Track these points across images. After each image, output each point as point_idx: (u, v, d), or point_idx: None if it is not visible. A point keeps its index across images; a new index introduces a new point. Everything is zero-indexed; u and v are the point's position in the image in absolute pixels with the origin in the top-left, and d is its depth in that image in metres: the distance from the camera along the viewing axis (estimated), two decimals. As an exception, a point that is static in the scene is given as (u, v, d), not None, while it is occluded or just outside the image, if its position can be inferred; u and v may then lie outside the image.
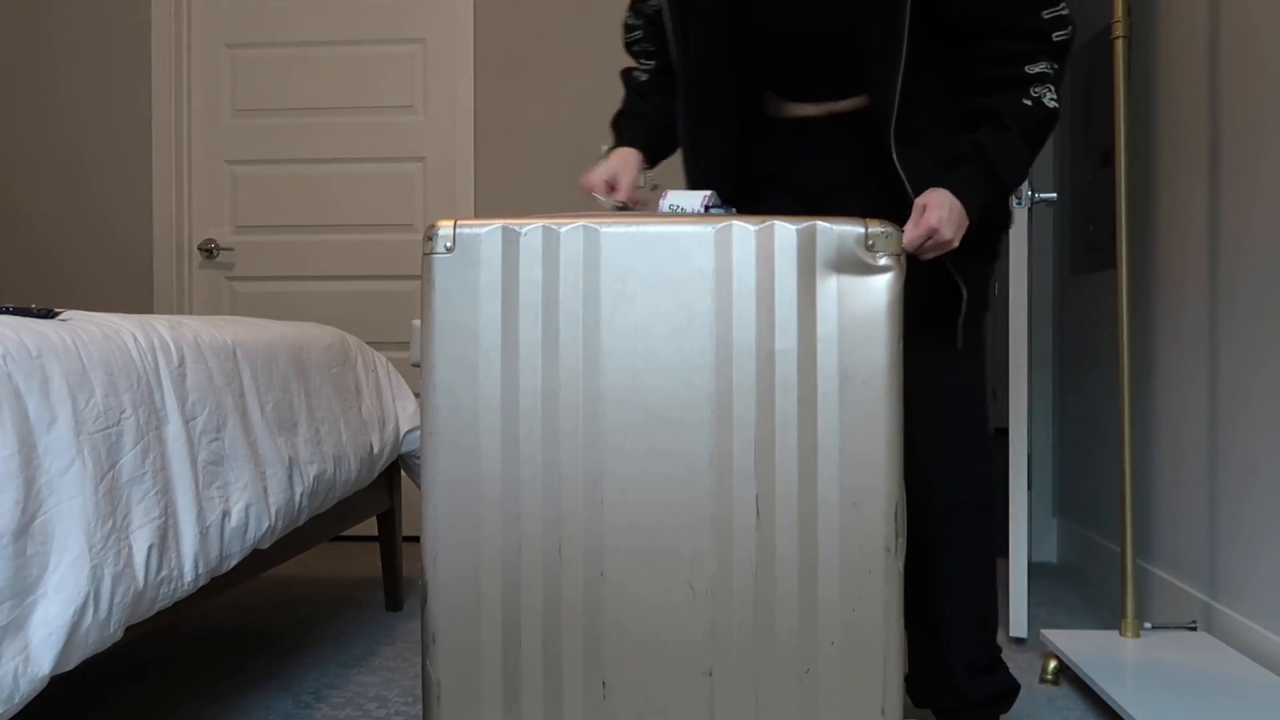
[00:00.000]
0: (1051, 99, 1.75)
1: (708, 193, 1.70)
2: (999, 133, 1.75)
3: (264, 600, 3.24)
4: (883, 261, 1.50)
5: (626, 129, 2.04)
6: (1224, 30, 2.60)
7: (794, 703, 1.49)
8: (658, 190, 1.85)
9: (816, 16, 1.85)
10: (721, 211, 1.66)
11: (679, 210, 1.68)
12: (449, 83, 4.08)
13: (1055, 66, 1.77)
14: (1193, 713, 2.01)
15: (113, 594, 1.54)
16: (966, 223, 1.71)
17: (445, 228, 1.52)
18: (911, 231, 1.65)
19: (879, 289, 1.49)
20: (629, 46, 2.13)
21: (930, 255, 1.69)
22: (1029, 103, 1.74)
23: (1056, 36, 1.76)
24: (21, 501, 1.41)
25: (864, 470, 1.48)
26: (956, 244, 1.69)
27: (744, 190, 2.02)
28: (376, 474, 2.77)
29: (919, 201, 1.70)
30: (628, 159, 1.96)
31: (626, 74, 2.12)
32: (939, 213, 1.67)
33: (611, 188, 1.91)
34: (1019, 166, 1.76)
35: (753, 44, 1.93)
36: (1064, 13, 1.77)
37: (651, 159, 2.03)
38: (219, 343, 2.06)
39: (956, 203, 1.69)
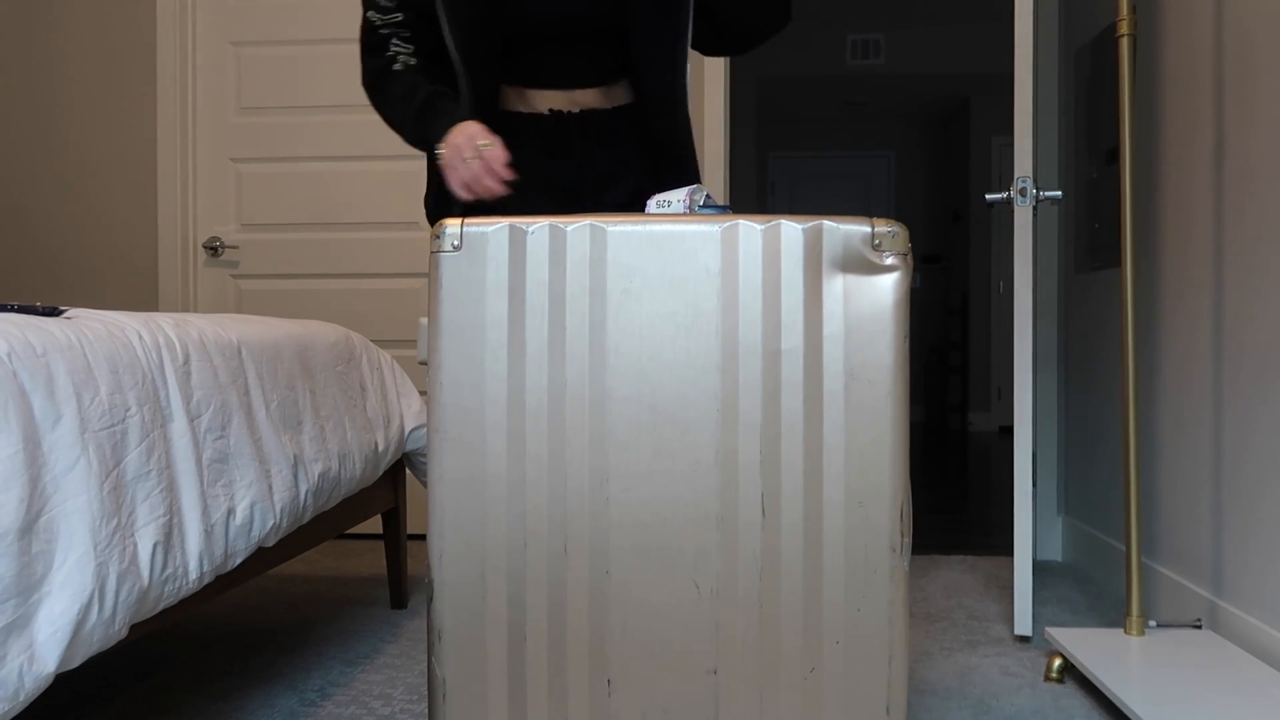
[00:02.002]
0: None
1: (692, 186, 1.71)
2: None
3: (269, 598, 3.25)
4: (889, 260, 1.49)
5: (447, 108, 1.87)
6: (1229, 27, 2.59)
7: (798, 702, 1.49)
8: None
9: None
10: (714, 211, 1.67)
11: (667, 206, 1.69)
12: (453, 80, 4.08)
13: None
14: (1198, 711, 2.01)
15: (117, 592, 1.54)
16: None
17: (452, 226, 1.52)
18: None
19: (885, 288, 1.49)
20: (386, 32, 1.97)
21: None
22: None
23: None
24: (26, 499, 1.41)
25: (869, 469, 1.48)
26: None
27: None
28: (381, 472, 2.77)
29: None
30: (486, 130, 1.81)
31: (382, 70, 1.96)
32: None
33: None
34: None
35: (515, 30, 1.94)
36: None
37: None
38: (224, 341, 2.06)
39: None
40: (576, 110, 2.01)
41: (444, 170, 1.80)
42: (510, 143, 1.98)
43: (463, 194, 1.78)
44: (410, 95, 1.90)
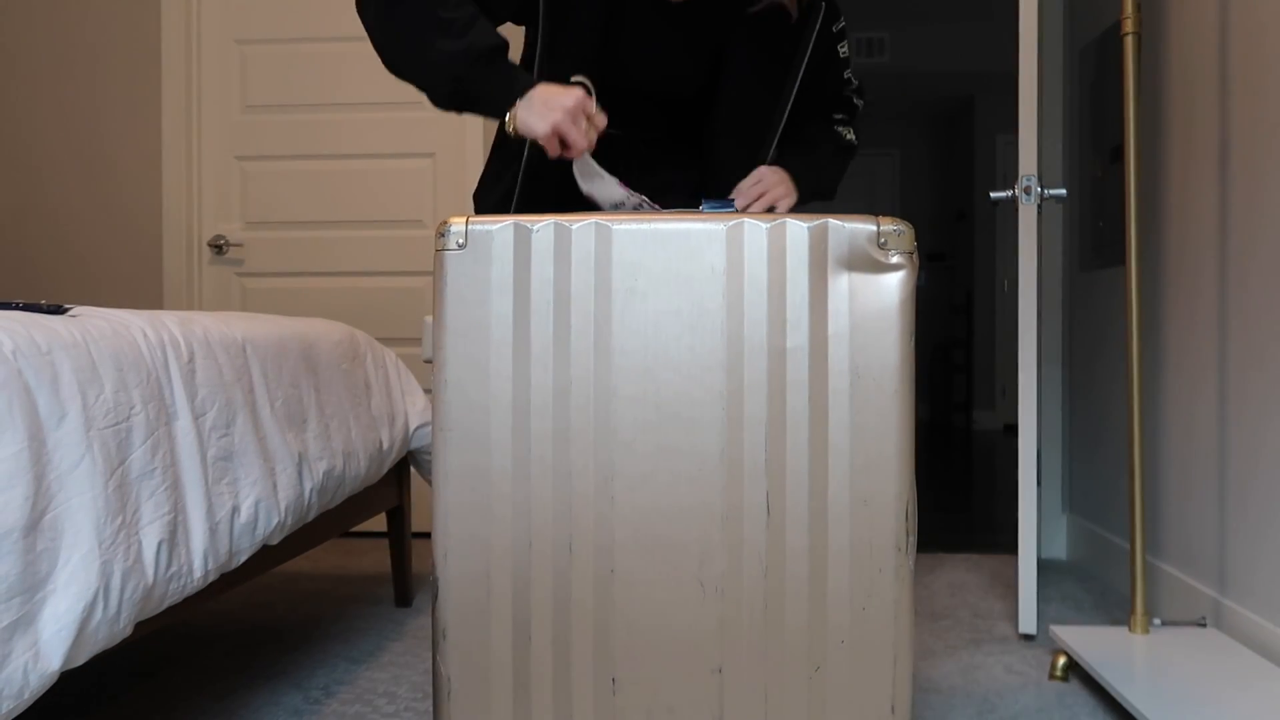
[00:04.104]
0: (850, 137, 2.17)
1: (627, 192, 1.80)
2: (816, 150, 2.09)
3: (273, 596, 3.25)
4: (894, 259, 1.49)
5: (519, 71, 1.79)
6: (1233, 26, 2.59)
7: (803, 700, 1.49)
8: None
9: (679, 71, 1.99)
10: (719, 209, 1.68)
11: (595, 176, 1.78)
12: (458, 78, 4.07)
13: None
14: (1202, 709, 2.01)
15: (122, 590, 1.54)
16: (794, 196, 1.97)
17: (457, 224, 1.51)
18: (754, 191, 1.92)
19: (890, 287, 1.49)
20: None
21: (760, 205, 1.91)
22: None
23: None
24: (31, 497, 1.41)
25: (874, 468, 1.48)
26: (784, 204, 1.93)
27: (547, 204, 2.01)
28: (386, 470, 2.77)
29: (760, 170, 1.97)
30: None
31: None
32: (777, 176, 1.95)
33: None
34: (825, 174, 2.09)
35: (611, 86, 1.91)
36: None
37: None
38: (228, 339, 2.06)
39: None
40: (619, 134, 2.01)
41: (532, 111, 1.70)
42: (560, 162, 1.98)
43: (551, 142, 1.70)
44: (470, 26, 1.75)
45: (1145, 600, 2.55)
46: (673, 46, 1.98)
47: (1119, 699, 2.13)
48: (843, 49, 2.11)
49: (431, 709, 2.22)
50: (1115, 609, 3.11)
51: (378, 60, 2.07)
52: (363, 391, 2.69)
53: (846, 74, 2.14)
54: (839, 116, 2.15)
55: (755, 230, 1.49)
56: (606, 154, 2.01)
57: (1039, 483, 3.84)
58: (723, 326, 1.49)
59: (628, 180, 1.93)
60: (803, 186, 1.97)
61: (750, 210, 1.86)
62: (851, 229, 1.49)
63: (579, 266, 1.50)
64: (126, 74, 4.21)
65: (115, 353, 1.67)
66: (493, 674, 1.51)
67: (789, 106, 2.04)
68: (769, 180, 1.94)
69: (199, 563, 1.76)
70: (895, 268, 1.49)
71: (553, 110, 1.68)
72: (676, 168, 2.07)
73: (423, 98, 1.96)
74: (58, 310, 1.77)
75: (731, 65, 2.01)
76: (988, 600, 3.22)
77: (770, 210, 1.89)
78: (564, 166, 1.95)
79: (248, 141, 4.20)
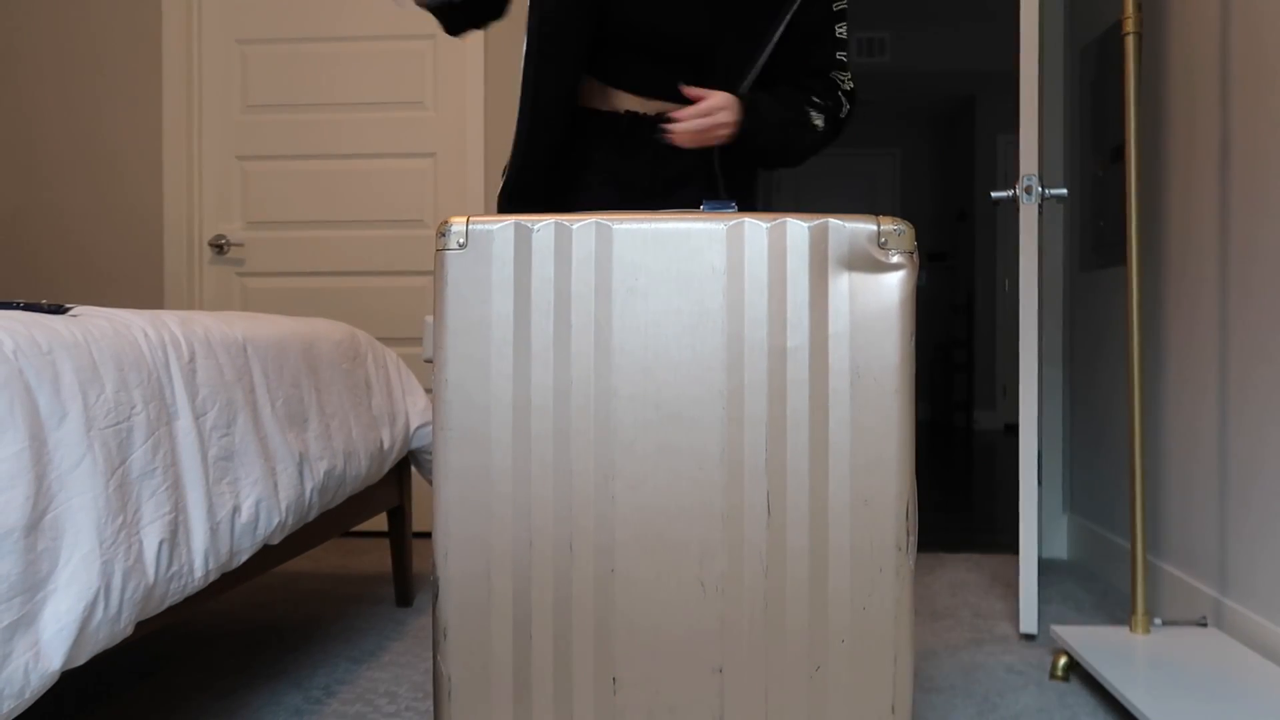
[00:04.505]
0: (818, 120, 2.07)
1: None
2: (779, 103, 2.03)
3: (274, 596, 3.25)
4: (895, 259, 1.49)
5: None
6: (1234, 25, 2.59)
7: (804, 700, 1.49)
8: None
9: (683, 9, 2.00)
10: (719, 209, 1.68)
11: None
12: (460, 78, 4.08)
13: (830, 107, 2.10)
14: (1203, 709, 2.01)
15: (123, 589, 1.54)
16: (736, 125, 1.94)
17: (458, 224, 1.52)
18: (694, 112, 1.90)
19: (891, 286, 1.49)
20: None
21: (707, 134, 1.90)
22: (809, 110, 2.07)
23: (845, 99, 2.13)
24: (32, 497, 1.42)
25: (875, 467, 1.48)
26: (725, 132, 1.92)
27: (561, 176, 2.05)
28: (387, 469, 2.77)
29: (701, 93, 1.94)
30: None
31: None
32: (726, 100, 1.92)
33: None
34: (771, 131, 2.01)
35: (612, 34, 1.98)
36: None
37: None
38: (229, 338, 2.06)
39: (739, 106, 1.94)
40: (652, 114, 2.05)
41: None
42: (584, 140, 2.03)
43: None
44: None
45: (1146, 600, 2.55)
46: None
47: (1120, 699, 2.13)
48: (840, 29, 2.09)
49: (432, 708, 2.22)
50: (1116, 609, 3.11)
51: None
52: (363, 391, 2.69)
53: (840, 55, 2.10)
54: (816, 100, 2.09)
55: (755, 230, 1.50)
56: (633, 135, 2.04)
57: (1040, 482, 3.84)
58: (723, 326, 1.49)
59: (651, 165, 1.95)
60: (745, 124, 1.95)
61: (683, 116, 1.89)
62: (852, 229, 1.49)
63: (579, 266, 1.50)
64: (128, 74, 4.21)
65: (116, 352, 1.67)
66: (493, 673, 1.51)
67: (764, 57, 2.02)
68: (720, 102, 1.92)
69: (200, 562, 1.76)
70: (895, 267, 1.49)
71: None
72: (699, 153, 2.09)
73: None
74: (58, 310, 1.77)
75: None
76: (988, 600, 3.22)
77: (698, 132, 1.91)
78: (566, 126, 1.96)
79: (248, 141, 4.20)
